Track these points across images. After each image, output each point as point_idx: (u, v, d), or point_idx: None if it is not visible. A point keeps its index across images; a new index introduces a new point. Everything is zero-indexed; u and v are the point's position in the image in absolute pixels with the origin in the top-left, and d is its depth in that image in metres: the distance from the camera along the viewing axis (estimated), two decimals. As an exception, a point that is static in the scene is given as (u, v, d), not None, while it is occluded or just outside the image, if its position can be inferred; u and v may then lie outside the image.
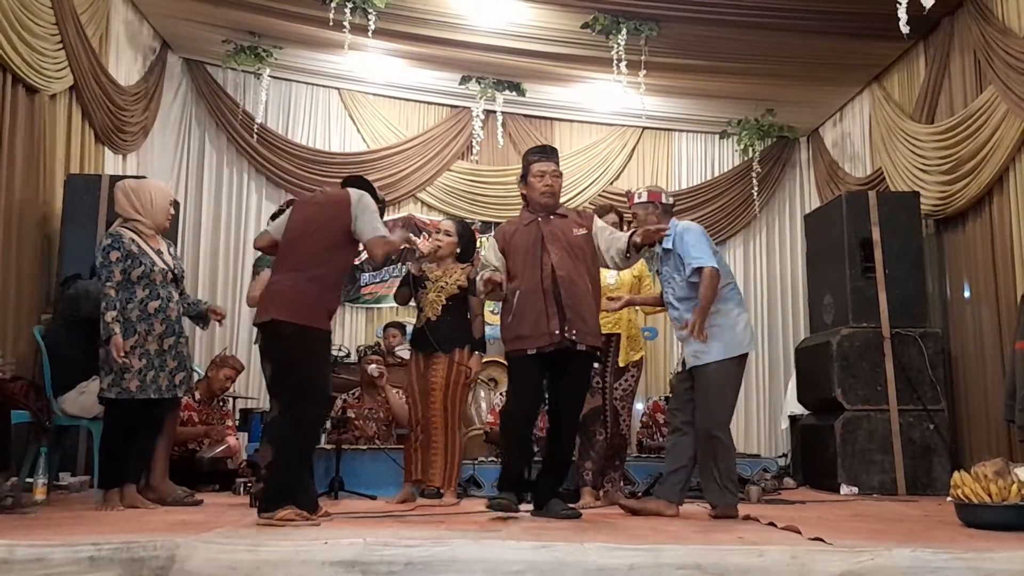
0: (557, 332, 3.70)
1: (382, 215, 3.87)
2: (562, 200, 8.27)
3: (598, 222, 4.00)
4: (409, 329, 7.41)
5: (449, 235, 4.67)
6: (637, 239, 3.74)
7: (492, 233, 8.21)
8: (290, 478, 3.42)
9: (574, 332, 3.71)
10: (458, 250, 4.69)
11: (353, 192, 3.70)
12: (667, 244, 3.98)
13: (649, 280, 4.90)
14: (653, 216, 4.02)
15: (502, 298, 3.89)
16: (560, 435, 3.90)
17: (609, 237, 3.89)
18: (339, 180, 8.49)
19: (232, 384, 5.86)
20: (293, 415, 3.48)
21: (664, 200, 4.10)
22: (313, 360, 3.51)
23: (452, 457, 4.49)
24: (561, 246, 3.81)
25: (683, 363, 4.08)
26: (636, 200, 4.11)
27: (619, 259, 3.84)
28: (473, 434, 5.85)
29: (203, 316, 4.37)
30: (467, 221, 4.94)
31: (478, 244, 8.21)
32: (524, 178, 4.00)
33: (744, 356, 3.94)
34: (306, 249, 3.56)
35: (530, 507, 3.84)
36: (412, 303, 4.81)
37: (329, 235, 3.59)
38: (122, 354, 3.85)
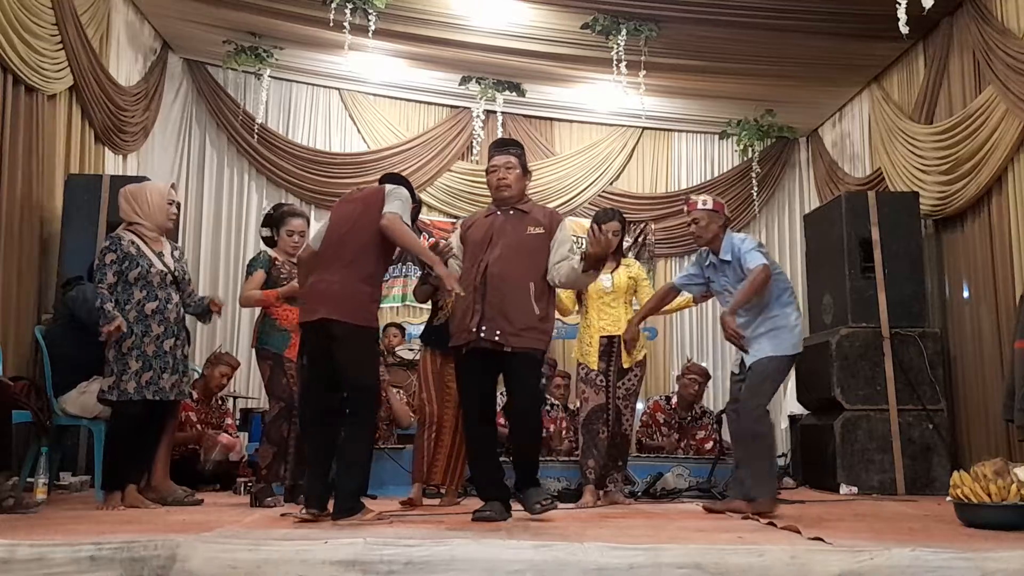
0: (474, 330, 3.60)
1: (416, 216, 3.87)
2: (562, 200, 8.25)
3: (564, 231, 3.81)
4: (410, 328, 7.42)
5: None
6: (589, 250, 3.59)
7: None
8: (364, 480, 3.54)
9: (496, 332, 3.57)
10: None
11: (388, 185, 3.70)
12: (725, 255, 4.07)
13: (646, 283, 4.90)
14: (715, 225, 4.08)
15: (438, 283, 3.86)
16: (515, 435, 3.80)
17: (561, 252, 3.75)
18: (340, 180, 8.56)
19: (229, 381, 5.86)
20: (366, 419, 3.49)
21: (726, 212, 4.18)
22: (372, 359, 3.55)
23: (459, 458, 4.45)
24: (506, 243, 3.70)
25: (740, 364, 4.12)
26: (701, 206, 4.11)
27: (564, 279, 3.71)
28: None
29: (206, 311, 4.37)
30: None
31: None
32: (487, 178, 3.95)
33: (794, 357, 4.09)
34: (352, 247, 3.53)
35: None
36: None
37: (370, 231, 3.52)
38: (118, 331, 3.88)
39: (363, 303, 3.50)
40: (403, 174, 8.30)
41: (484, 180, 8.96)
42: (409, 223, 3.59)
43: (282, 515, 3.63)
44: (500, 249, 3.69)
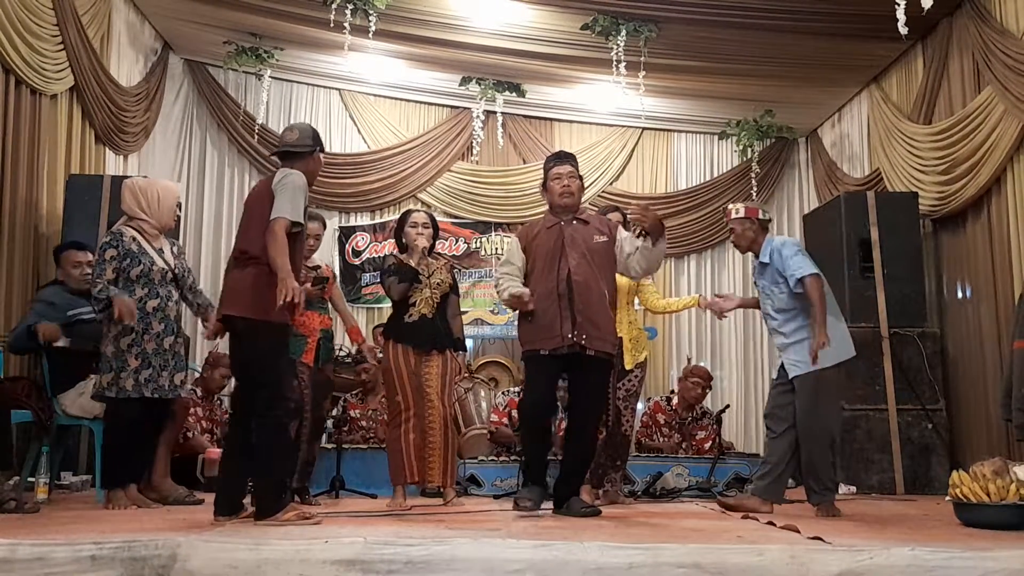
0: (570, 335, 3.80)
1: (316, 168, 3.62)
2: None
3: (622, 232, 4.08)
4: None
5: (428, 227, 4.55)
6: (638, 228, 3.89)
7: (491, 234, 8.32)
8: (282, 480, 3.40)
9: (584, 336, 3.81)
10: (433, 240, 4.59)
11: (279, 172, 3.47)
12: (764, 258, 4.15)
13: (648, 284, 4.91)
14: (750, 232, 4.19)
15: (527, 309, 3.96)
16: (576, 439, 3.95)
17: (628, 247, 3.99)
18: (340, 181, 8.51)
19: (229, 381, 5.86)
20: (270, 418, 3.34)
21: (760, 216, 4.25)
22: (271, 354, 3.36)
23: (451, 455, 4.44)
24: (580, 252, 3.91)
25: (780, 369, 4.16)
26: (734, 215, 4.23)
27: (644, 263, 3.94)
28: (475, 433, 5.87)
29: (206, 317, 4.37)
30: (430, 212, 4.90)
31: (475, 245, 8.30)
32: (544, 184, 4.11)
33: (840, 365, 4.09)
34: (253, 241, 3.37)
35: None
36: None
37: (264, 218, 3.35)
38: (130, 310, 3.86)
39: (264, 295, 3.29)
40: (403, 174, 8.46)
41: (483, 180, 9.05)
42: (302, 212, 3.37)
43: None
44: (576, 258, 3.90)
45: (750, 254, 4.28)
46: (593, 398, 3.96)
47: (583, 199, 8.41)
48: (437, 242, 4.75)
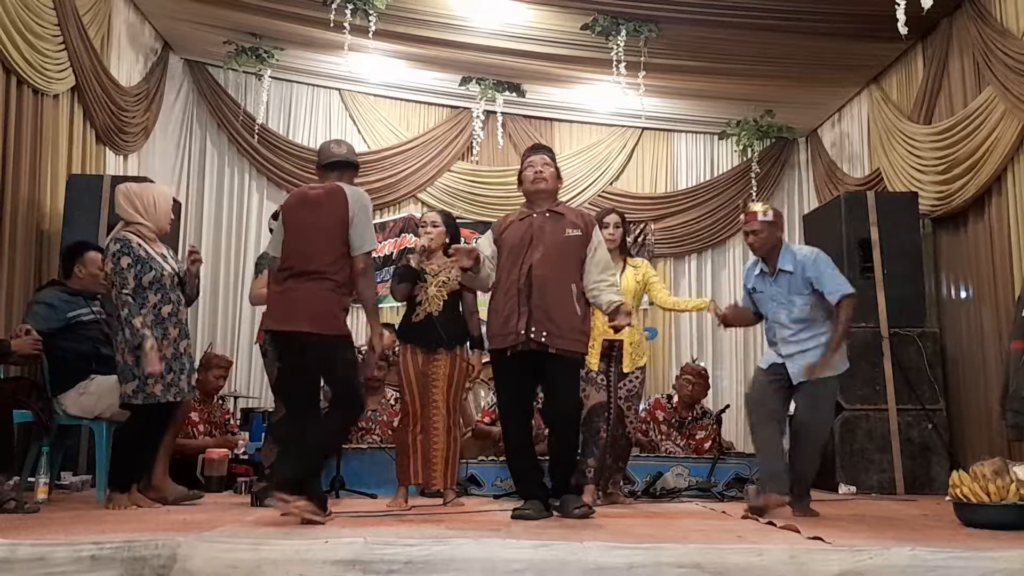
0: (523, 332, 3.66)
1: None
2: (563, 200, 8.28)
3: (597, 236, 3.91)
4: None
5: (436, 225, 4.52)
6: (613, 323, 3.76)
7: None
8: (315, 471, 3.52)
9: (544, 334, 3.66)
10: (447, 239, 4.53)
11: (349, 189, 3.60)
12: (785, 266, 4.04)
13: (656, 280, 4.89)
14: (774, 236, 4.10)
15: (477, 282, 3.93)
16: (555, 440, 3.86)
17: (600, 266, 3.84)
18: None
19: (224, 381, 5.84)
20: (349, 412, 3.57)
21: (783, 223, 4.25)
22: (350, 365, 3.54)
23: (454, 457, 4.42)
24: (547, 245, 3.75)
25: (778, 367, 4.09)
26: (761, 217, 4.08)
27: (598, 303, 3.81)
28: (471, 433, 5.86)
29: (190, 277, 4.27)
30: (449, 212, 4.87)
31: (475, 244, 8.29)
32: (519, 176, 4.00)
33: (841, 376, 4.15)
34: (323, 257, 3.49)
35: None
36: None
37: (334, 235, 3.51)
38: (158, 358, 3.86)
39: (336, 313, 3.52)
40: (403, 174, 8.46)
41: (483, 180, 9.06)
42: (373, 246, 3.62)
43: (283, 514, 3.62)
44: (542, 251, 3.74)
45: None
46: (564, 400, 3.79)
47: (583, 199, 8.51)
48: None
